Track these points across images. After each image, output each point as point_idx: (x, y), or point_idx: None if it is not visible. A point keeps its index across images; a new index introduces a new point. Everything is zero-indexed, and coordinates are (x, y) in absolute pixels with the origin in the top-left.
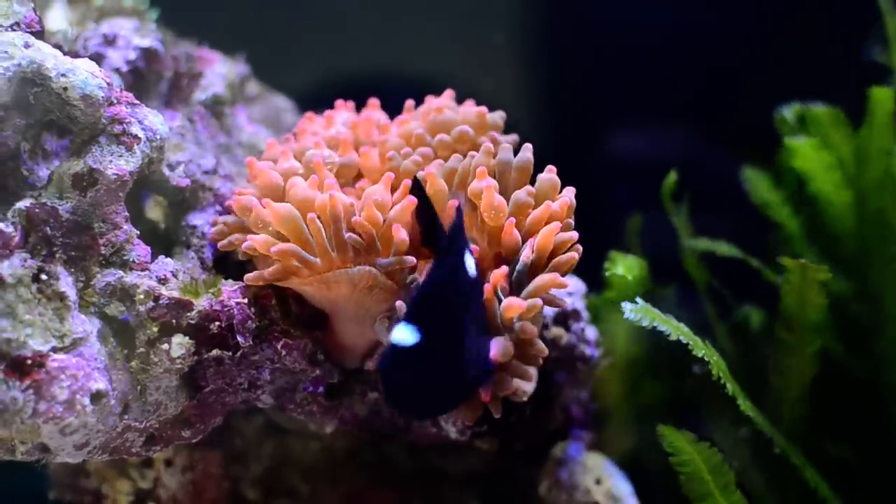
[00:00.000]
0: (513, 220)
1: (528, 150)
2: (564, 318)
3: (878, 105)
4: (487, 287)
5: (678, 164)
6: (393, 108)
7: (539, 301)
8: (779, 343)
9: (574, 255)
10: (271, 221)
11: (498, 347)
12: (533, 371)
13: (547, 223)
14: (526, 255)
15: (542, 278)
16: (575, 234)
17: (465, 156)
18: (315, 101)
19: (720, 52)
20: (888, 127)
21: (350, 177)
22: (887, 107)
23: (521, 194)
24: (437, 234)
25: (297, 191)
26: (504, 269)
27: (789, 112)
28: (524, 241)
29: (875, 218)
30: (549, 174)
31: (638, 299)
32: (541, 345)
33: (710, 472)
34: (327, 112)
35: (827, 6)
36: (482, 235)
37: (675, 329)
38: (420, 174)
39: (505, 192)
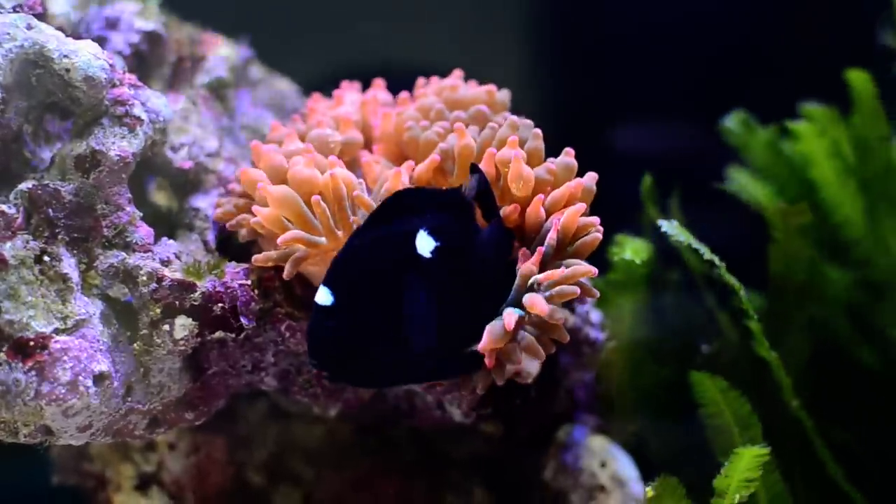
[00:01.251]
0: (541, 196)
1: (538, 139)
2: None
3: (860, 90)
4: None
5: (681, 157)
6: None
7: (573, 289)
8: (772, 317)
9: (597, 235)
10: (269, 204)
11: (488, 335)
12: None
13: (567, 204)
14: (551, 237)
15: (576, 269)
16: (596, 219)
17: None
18: (318, 86)
19: (727, 44)
20: (878, 111)
21: (353, 154)
22: (869, 90)
23: (541, 171)
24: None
25: (296, 171)
26: (532, 264)
27: (732, 121)
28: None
29: (881, 205)
30: (567, 157)
31: (674, 220)
32: (564, 332)
33: (737, 425)
34: (336, 91)
35: None
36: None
37: (708, 250)
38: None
39: None
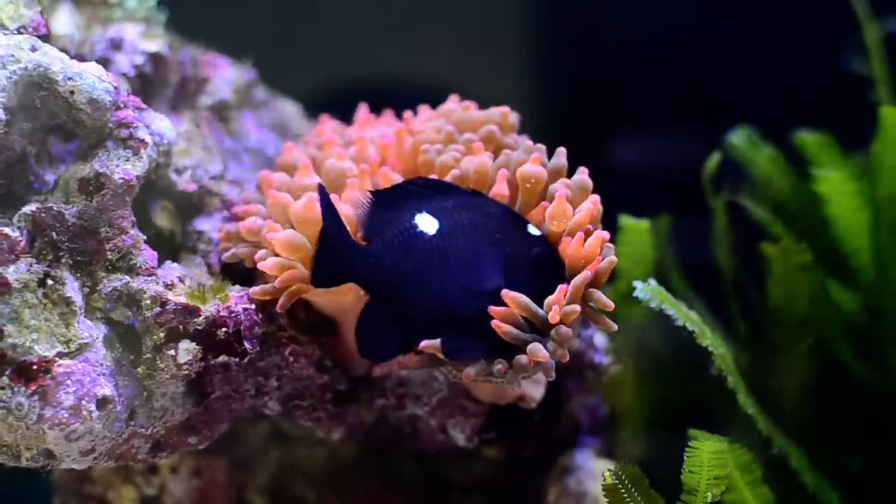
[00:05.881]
0: (581, 235)
1: (562, 157)
2: None
3: (890, 122)
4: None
5: (682, 172)
6: (399, 115)
7: (576, 308)
8: (772, 343)
9: (613, 259)
10: (276, 250)
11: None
12: (541, 377)
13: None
14: (586, 275)
15: (597, 299)
16: (610, 246)
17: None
18: (322, 107)
19: (725, 60)
20: None
21: None
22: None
23: (557, 185)
24: None
25: (295, 211)
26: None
27: (736, 136)
28: None
29: (890, 230)
30: (582, 176)
31: (651, 280)
32: (564, 350)
33: (739, 469)
34: (356, 134)
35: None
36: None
37: (684, 315)
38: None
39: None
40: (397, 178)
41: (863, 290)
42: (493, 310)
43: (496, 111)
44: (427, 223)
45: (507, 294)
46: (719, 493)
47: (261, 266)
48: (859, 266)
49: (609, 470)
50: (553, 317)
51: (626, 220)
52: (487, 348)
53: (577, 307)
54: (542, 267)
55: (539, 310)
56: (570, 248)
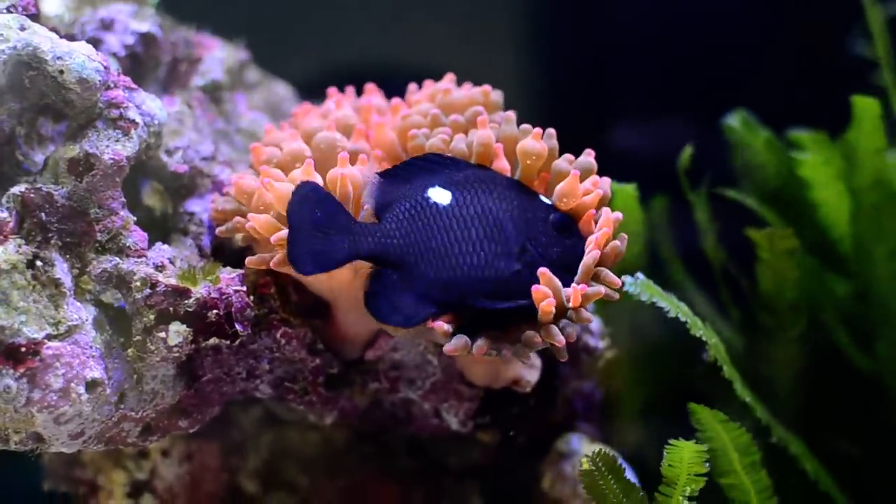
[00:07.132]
0: (593, 211)
1: (552, 138)
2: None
3: (863, 111)
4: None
5: (672, 158)
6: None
7: (600, 290)
8: (763, 331)
9: (618, 244)
10: (273, 202)
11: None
12: (537, 361)
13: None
14: (594, 255)
15: (604, 277)
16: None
17: None
18: (316, 89)
19: (722, 44)
20: (876, 129)
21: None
22: (873, 111)
23: (563, 164)
24: None
25: (293, 176)
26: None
27: (734, 119)
28: None
29: (869, 216)
30: (587, 157)
31: (639, 274)
32: (574, 330)
33: (737, 451)
34: (331, 100)
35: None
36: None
37: (675, 307)
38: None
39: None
40: (392, 136)
41: (851, 277)
42: (537, 288)
43: (478, 91)
44: (440, 195)
45: (544, 273)
46: (698, 489)
47: (252, 221)
48: (846, 251)
49: (586, 455)
50: (575, 299)
51: (614, 186)
52: (524, 306)
53: (602, 289)
54: (563, 231)
55: (563, 296)
56: (592, 232)
